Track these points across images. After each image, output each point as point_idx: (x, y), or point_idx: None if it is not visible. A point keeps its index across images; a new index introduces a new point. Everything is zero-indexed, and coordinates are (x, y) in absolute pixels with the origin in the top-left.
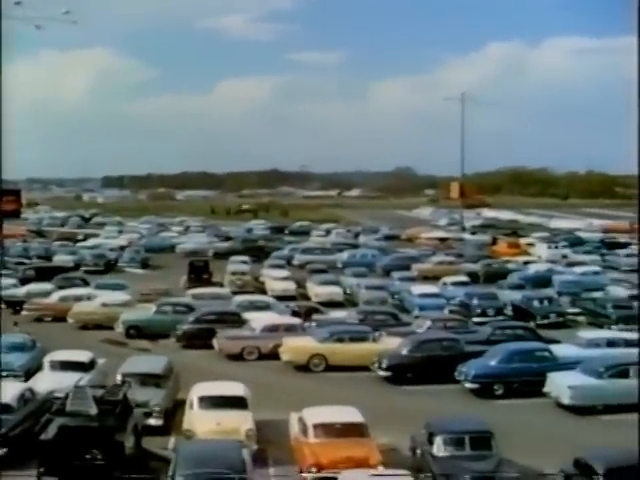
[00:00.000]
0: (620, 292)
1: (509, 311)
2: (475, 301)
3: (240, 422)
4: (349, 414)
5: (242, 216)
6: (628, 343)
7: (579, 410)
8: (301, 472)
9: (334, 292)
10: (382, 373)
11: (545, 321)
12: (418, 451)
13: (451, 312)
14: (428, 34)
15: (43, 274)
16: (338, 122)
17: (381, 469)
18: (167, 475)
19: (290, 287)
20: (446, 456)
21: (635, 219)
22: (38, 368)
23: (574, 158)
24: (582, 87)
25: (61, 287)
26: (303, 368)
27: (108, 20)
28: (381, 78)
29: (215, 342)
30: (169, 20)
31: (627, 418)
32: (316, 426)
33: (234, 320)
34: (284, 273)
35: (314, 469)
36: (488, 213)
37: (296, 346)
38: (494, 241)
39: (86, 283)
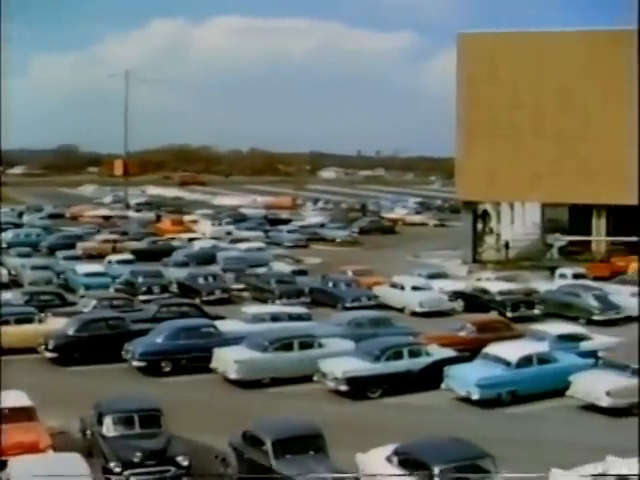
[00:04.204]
0: (283, 267)
1: (174, 288)
2: (140, 279)
3: None
4: (16, 398)
5: None
6: (291, 317)
7: (246, 384)
8: None
9: None
10: (49, 354)
11: (210, 297)
12: (88, 432)
13: (117, 291)
14: (91, 9)
15: None
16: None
17: (51, 453)
18: None
19: None
20: (116, 436)
21: (293, 194)
22: None
23: (237, 136)
24: (245, 66)
25: None
26: None
27: None
28: (43, 53)
29: None
30: None
31: (294, 390)
32: None
33: None
34: None
35: None
36: (152, 190)
37: None
38: (158, 218)
39: None
